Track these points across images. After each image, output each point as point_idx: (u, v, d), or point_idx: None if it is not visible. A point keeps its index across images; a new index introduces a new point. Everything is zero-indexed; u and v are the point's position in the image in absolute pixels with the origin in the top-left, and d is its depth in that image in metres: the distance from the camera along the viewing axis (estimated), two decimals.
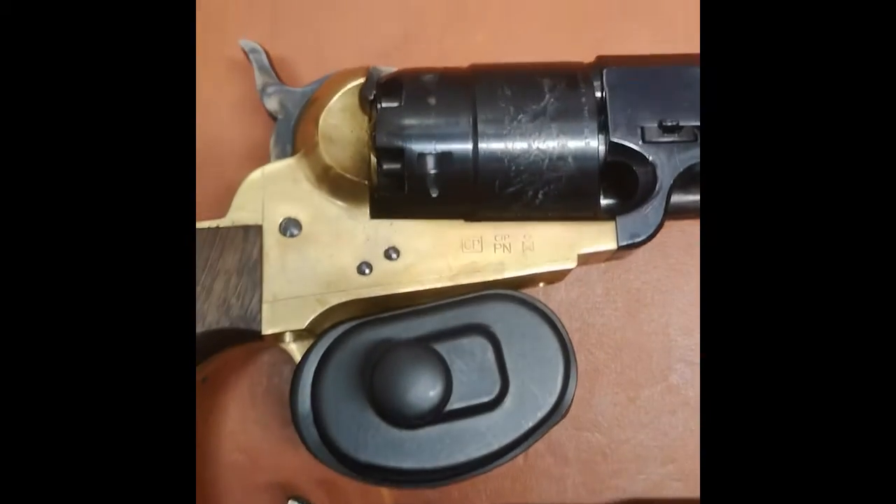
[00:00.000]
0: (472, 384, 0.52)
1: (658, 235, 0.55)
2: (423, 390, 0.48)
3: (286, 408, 0.58)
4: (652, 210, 0.53)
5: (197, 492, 0.59)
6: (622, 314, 0.64)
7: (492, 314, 0.53)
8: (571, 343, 0.53)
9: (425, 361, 0.48)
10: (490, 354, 0.52)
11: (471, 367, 0.51)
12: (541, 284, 0.56)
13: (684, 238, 0.64)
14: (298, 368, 0.52)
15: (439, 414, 0.50)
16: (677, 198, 0.55)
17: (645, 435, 0.62)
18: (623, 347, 0.64)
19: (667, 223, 0.55)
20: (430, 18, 0.67)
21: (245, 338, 0.52)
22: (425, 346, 0.49)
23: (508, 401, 0.52)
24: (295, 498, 0.55)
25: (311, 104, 0.56)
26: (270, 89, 0.58)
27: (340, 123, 0.54)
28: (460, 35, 0.66)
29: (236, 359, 0.63)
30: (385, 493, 0.61)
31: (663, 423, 0.63)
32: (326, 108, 0.54)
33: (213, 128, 0.65)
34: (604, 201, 0.55)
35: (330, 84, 0.56)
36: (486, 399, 0.52)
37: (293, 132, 0.57)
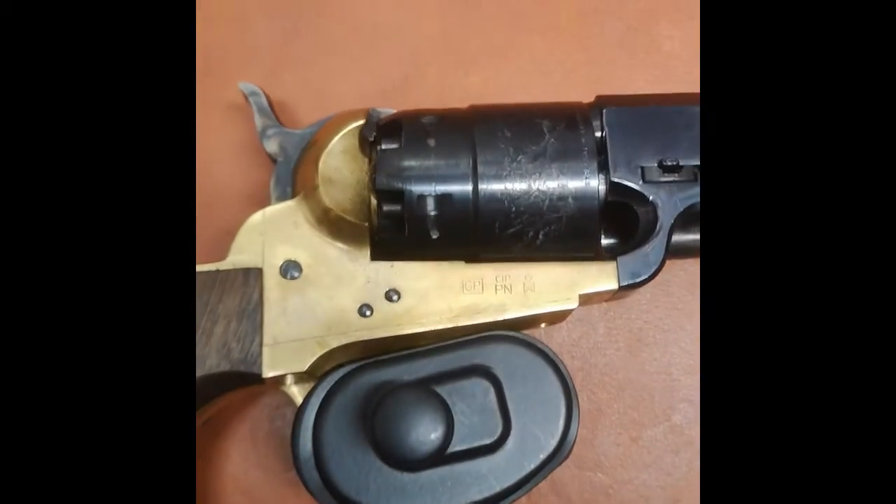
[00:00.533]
0: (473, 426, 0.51)
1: (660, 275, 0.55)
2: (425, 433, 0.47)
3: (287, 450, 0.58)
4: (653, 250, 0.53)
5: None
6: (624, 354, 0.64)
7: (493, 356, 0.52)
8: (573, 384, 0.52)
9: (427, 404, 0.48)
10: (492, 396, 0.52)
11: (472, 408, 0.51)
12: (542, 325, 0.56)
13: (686, 277, 0.64)
14: (300, 412, 0.52)
15: (441, 456, 0.49)
16: (678, 237, 0.55)
17: (648, 475, 0.62)
18: (625, 387, 0.63)
19: (668, 263, 0.55)
20: (428, 60, 0.68)
21: (246, 381, 0.52)
22: (427, 389, 0.49)
23: (510, 442, 0.51)
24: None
25: (311, 146, 0.56)
26: (270, 132, 0.58)
27: (341, 165, 0.54)
28: (458, 76, 0.67)
29: (237, 402, 0.63)
30: None
31: (666, 463, 0.62)
32: (326, 150, 0.54)
33: (213, 171, 0.65)
34: (605, 241, 0.55)
35: (329, 126, 0.56)
36: (487, 441, 0.51)
37: (293, 174, 0.57)
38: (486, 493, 0.51)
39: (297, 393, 0.53)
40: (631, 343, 0.64)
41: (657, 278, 0.57)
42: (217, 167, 0.65)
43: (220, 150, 0.65)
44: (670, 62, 0.67)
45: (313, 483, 0.51)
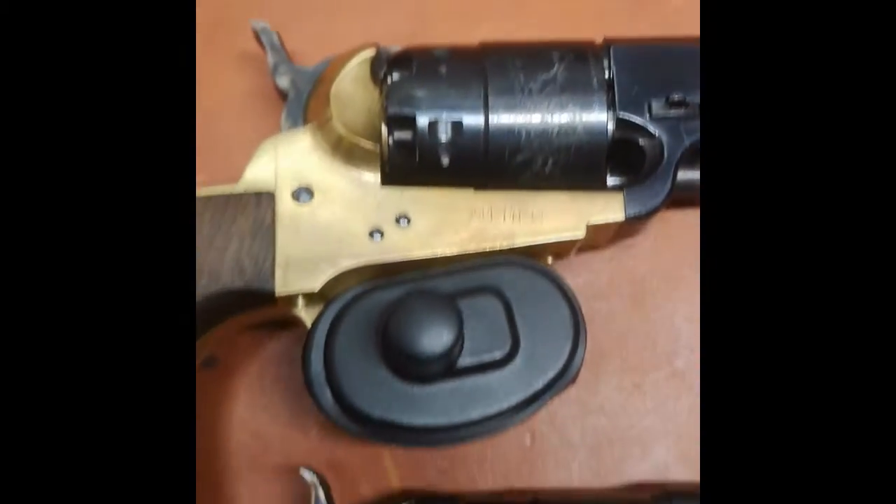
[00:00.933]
0: (483, 341, 0.52)
1: (664, 224, 0.56)
2: (437, 334, 0.48)
3: (294, 396, 0.60)
4: (659, 182, 0.54)
5: (207, 473, 0.60)
6: (627, 301, 0.65)
7: (503, 278, 0.53)
8: (581, 310, 0.53)
9: (439, 306, 0.48)
10: (501, 314, 0.52)
11: (482, 325, 0.52)
12: (549, 259, 0.57)
13: (690, 227, 0.65)
14: (311, 330, 0.53)
15: (451, 368, 0.50)
16: (684, 174, 0.56)
17: (650, 420, 0.63)
18: (628, 334, 0.64)
19: (673, 212, 0.56)
20: (436, 16, 0.69)
21: (258, 300, 0.53)
22: (438, 295, 0.49)
23: (518, 360, 0.52)
24: (307, 468, 0.55)
25: (322, 80, 0.57)
26: (282, 68, 0.59)
27: (352, 92, 0.55)
28: (466, 33, 0.67)
29: (245, 345, 0.63)
30: (392, 472, 0.61)
31: (668, 409, 0.63)
32: (338, 79, 0.55)
33: (224, 117, 0.66)
34: (612, 180, 0.56)
35: (340, 58, 0.57)
36: (497, 356, 0.52)
37: (304, 108, 0.58)
38: (495, 408, 0.51)
39: (307, 317, 0.54)
40: (634, 291, 0.65)
41: (661, 228, 0.58)
42: (228, 114, 0.66)
43: (231, 98, 0.66)
44: (678, 18, 0.68)
45: (324, 400, 0.51)
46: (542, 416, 0.63)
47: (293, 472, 0.60)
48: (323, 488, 0.54)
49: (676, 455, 0.62)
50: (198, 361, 0.58)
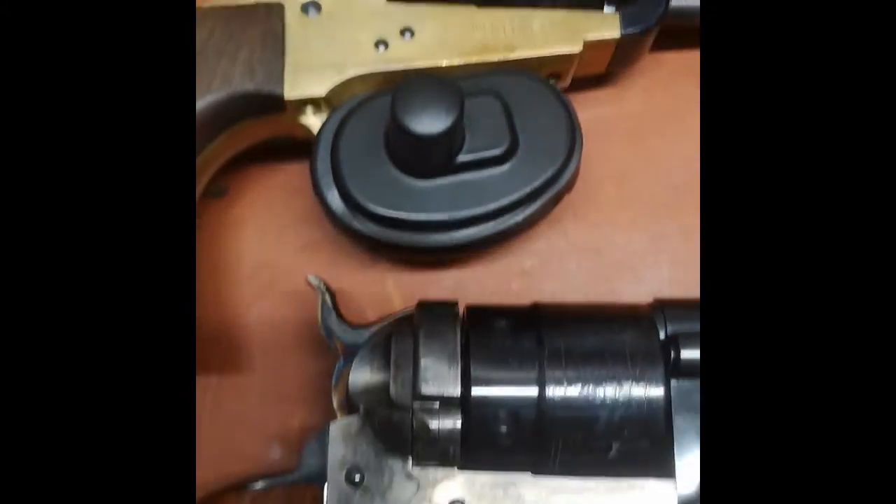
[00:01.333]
0: (483, 139, 0.54)
1: (659, 66, 0.58)
2: (439, 113, 0.50)
3: (303, 225, 0.61)
4: (653, 2, 0.56)
5: (217, 301, 0.62)
6: (624, 139, 0.67)
7: (504, 84, 0.56)
8: (577, 119, 0.55)
9: (442, 87, 0.50)
10: (501, 115, 0.55)
11: (483, 122, 0.54)
12: (550, 82, 0.59)
13: (684, 69, 0.68)
14: (319, 132, 0.55)
15: (452, 158, 0.53)
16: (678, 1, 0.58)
17: (643, 247, 0.65)
18: (625, 170, 0.66)
19: (667, 55, 0.61)
20: None
21: (268, 105, 0.55)
22: (442, 78, 0.51)
23: (517, 159, 0.55)
24: (314, 276, 0.57)
25: None
26: None
27: None
28: None
29: (254, 176, 0.65)
30: (395, 297, 0.63)
31: (662, 236, 0.65)
32: None
33: None
34: (609, 8, 0.58)
35: None
36: (496, 153, 0.54)
37: None
38: (494, 205, 0.54)
39: (315, 123, 0.56)
40: (631, 128, 0.67)
41: (656, 71, 0.60)
42: None
43: None
44: None
45: (331, 200, 0.54)
46: (540, 246, 0.65)
47: (302, 297, 0.62)
48: (329, 295, 0.55)
49: (670, 280, 0.63)
50: (208, 191, 0.61)
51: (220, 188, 0.65)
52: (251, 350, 0.63)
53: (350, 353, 0.51)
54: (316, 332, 0.57)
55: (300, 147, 0.61)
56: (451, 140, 0.51)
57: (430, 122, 0.50)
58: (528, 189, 0.54)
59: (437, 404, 0.47)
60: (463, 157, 0.54)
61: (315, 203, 0.59)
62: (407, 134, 0.50)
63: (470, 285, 0.62)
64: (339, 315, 0.53)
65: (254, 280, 0.65)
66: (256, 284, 0.65)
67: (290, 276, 0.64)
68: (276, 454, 0.60)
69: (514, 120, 0.55)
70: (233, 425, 0.61)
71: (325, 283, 0.54)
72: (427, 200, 0.54)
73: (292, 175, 0.67)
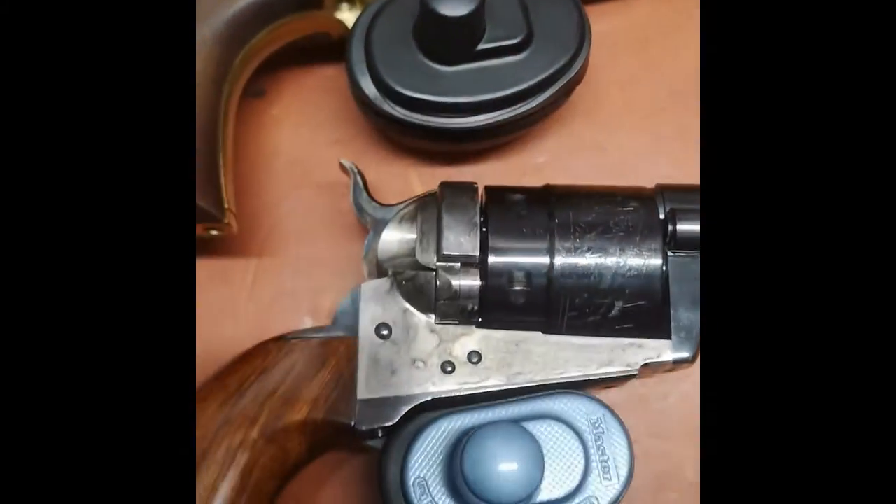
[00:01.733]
0: (502, 28, 0.60)
1: None
2: None
3: (334, 123, 0.67)
4: None
5: (257, 186, 0.69)
6: (629, 49, 0.73)
7: None
8: (587, 15, 0.62)
9: None
10: (518, 8, 0.60)
11: (502, 15, 0.59)
12: None
13: None
14: (354, 25, 0.61)
15: (475, 44, 0.59)
16: None
17: (646, 148, 0.71)
18: (630, 78, 0.73)
19: None
20: None
21: (308, 2, 0.62)
22: None
23: (532, 49, 0.60)
24: (348, 161, 0.62)
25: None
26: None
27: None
28: None
29: (290, 78, 0.72)
30: (418, 190, 0.69)
31: (662, 139, 0.71)
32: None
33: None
34: None
35: None
36: (514, 42, 0.60)
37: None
38: (511, 89, 0.60)
39: (350, 18, 0.63)
40: (635, 39, 0.73)
41: None
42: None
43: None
44: None
45: (365, 84, 0.61)
46: (551, 144, 0.71)
47: (333, 187, 0.68)
48: (360, 176, 0.61)
49: (668, 176, 0.68)
50: (248, 91, 0.66)
51: (259, 89, 0.71)
52: (286, 235, 0.69)
53: (379, 227, 0.57)
54: (345, 218, 0.65)
55: (333, 51, 0.67)
56: (473, 25, 0.57)
57: (456, 5, 0.55)
58: (542, 76, 0.60)
59: (458, 265, 0.53)
60: (483, 46, 0.59)
61: (345, 103, 0.66)
62: (435, 16, 0.55)
63: (487, 179, 0.66)
64: (370, 194, 0.59)
65: (289, 172, 0.71)
66: (292, 176, 0.71)
67: (323, 168, 0.70)
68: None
69: (530, 13, 0.60)
70: (270, 302, 0.68)
71: (356, 166, 0.59)
72: (451, 85, 0.59)
73: (324, 78, 0.73)
